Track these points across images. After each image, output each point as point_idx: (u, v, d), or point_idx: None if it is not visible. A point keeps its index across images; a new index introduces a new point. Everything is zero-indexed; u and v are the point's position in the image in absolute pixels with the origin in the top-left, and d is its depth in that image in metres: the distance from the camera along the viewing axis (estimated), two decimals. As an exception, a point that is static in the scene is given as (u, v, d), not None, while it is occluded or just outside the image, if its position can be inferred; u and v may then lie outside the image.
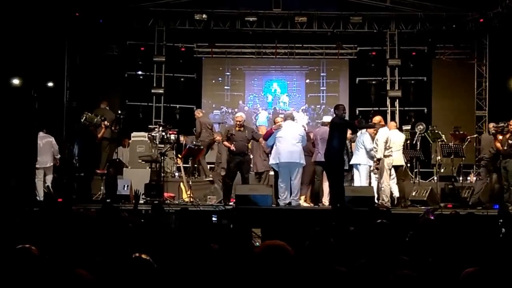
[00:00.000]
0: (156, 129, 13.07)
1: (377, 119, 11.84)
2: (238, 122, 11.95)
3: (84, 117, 12.15)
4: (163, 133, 12.82)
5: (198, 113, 14.74)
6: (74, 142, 12.43)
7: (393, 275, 3.15)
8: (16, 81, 14.75)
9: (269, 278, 3.34)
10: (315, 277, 3.90)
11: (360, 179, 11.62)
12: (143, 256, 3.24)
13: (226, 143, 12.01)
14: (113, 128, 13.60)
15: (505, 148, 11.69)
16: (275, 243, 3.49)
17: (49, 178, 12.43)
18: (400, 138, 12.14)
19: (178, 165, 13.89)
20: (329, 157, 10.44)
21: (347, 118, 12.35)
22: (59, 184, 12.38)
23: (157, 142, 12.63)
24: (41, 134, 12.34)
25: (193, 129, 14.70)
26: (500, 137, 11.99)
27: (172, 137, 13.00)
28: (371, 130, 11.68)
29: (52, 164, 12.49)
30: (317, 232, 4.26)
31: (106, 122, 12.48)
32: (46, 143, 12.37)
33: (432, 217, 7.77)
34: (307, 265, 3.99)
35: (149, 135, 13.15)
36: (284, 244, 3.47)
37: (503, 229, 6.60)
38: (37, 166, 12.20)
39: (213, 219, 8.65)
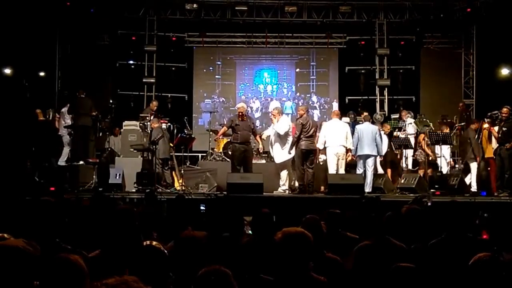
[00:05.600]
0: (147, 118, 13.17)
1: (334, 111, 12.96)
2: (240, 113, 11.99)
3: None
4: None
5: None
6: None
7: (392, 267, 3.15)
8: (7, 71, 14.80)
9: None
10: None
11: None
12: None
13: (223, 131, 12.64)
14: (94, 114, 13.45)
15: (500, 135, 11.90)
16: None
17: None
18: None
19: (170, 153, 13.93)
20: None
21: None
22: (50, 172, 12.46)
23: (149, 131, 12.69)
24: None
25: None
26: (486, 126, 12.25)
27: (164, 126, 13.10)
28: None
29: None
30: (308, 219, 4.43)
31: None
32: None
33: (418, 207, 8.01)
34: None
35: (141, 124, 13.24)
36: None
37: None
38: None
39: (201, 208, 8.69)
